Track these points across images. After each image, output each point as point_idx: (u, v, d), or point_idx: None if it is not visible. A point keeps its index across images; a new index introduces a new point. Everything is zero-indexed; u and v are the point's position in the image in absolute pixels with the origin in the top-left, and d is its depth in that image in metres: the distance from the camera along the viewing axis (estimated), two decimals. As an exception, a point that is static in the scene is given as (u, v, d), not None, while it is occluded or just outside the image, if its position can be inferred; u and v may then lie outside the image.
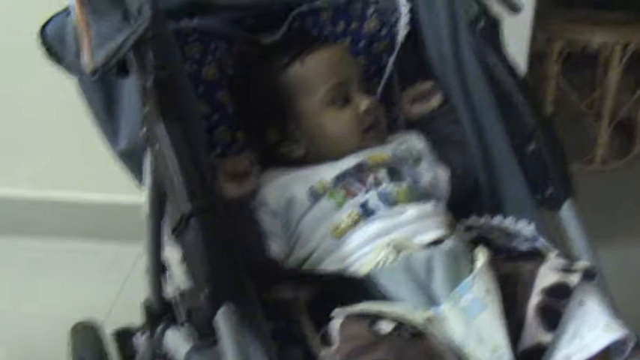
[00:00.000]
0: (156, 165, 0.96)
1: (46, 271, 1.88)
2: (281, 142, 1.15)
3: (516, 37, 1.81)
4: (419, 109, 1.24)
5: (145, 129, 0.96)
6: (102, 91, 1.05)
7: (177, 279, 1.01)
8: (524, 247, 1.11)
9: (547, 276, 0.96)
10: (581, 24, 2.30)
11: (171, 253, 1.00)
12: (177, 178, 0.90)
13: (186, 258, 0.90)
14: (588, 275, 0.97)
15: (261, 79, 1.16)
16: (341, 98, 1.14)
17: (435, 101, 1.23)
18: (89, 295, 1.76)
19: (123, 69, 0.96)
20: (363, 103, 1.14)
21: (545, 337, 0.93)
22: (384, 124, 1.18)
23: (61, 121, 1.85)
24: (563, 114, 2.40)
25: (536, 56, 2.39)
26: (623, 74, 2.34)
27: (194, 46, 1.16)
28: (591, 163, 2.42)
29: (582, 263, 0.98)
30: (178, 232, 0.90)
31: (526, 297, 0.95)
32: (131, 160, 1.07)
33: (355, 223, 1.06)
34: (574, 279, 0.95)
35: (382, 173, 1.11)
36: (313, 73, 1.13)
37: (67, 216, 1.99)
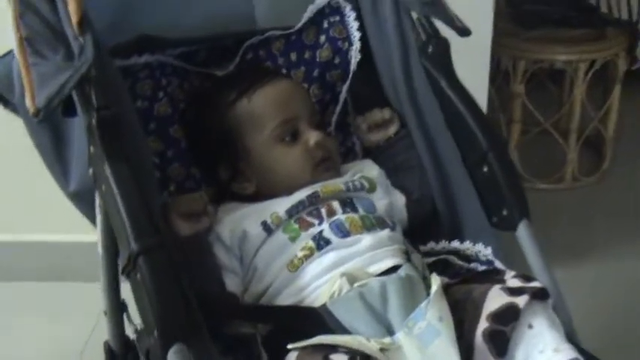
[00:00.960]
0: (104, 206, 0.95)
1: (17, 313, 1.85)
2: (232, 179, 1.15)
3: (477, 59, 1.83)
4: (376, 137, 1.24)
5: (91, 170, 0.95)
6: (50, 133, 1.05)
7: (136, 319, 1.00)
8: (481, 269, 1.11)
9: (495, 299, 0.95)
10: (544, 43, 2.31)
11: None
12: (123, 218, 0.89)
13: (135, 298, 0.89)
14: (540, 295, 0.96)
15: (210, 115, 1.15)
16: (289, 134, 1.13)
17: (393, 129, 1.23)
18: (62, 336, 1.74)
19: (69, 109, 0.96)
20: (313, 137, 1.13)
21: None
22: (336, 157, 1.18)
23: (18, 163, 1.83)
24: (531, 133, 2.41)
25: (503, 77, 2.41)
26: (589, 91, 2.35)
27: (145, 82, 1.16)
28: (562, 181, 2.42)
29: (533, 284, 0.97)
30: (127, 273, 0.89)
31: (475, 322, 0.94)
32: (83, 201, 1.06)
33: (309, 256, 1.05)
34: (522, 300, 0.94)
35: (336, 204, 1.11)
36: (260, 109, 1.13)
37: (36, 257, 1.97)
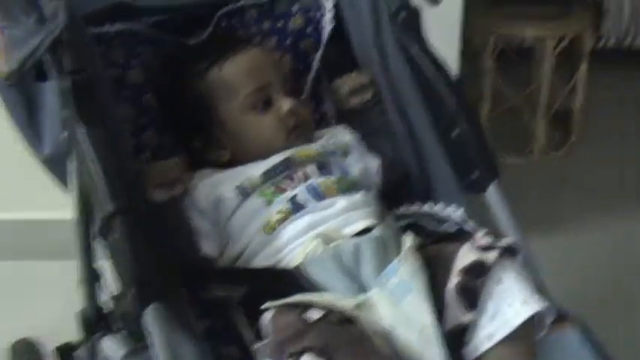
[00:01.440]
0: (79, 169, 0.95)
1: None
2: (207, 147, 1.15)
3: (447, 33, 1.85)
4: (354, 101, 1.24)
5: (65, 133, 0.95)
6: (22, 97, 1.04)
7: (111, 285, 1.00)
8: (453, 230, 1.12)
9: (466, 255, 0.97)
10: (514, 19, 2.34)
11: (104, 260, 0.99)
12: (99, 180, 0.90)
13: (112, 259, 0.90)
14: (509, 252, 0.98)
15: (182, 85, 1.15)
16: (261, 102, 1.14)
17: (369, 93, 1.24)
18: (34, 313, 1.73)
19: (41, 73, 0.96)
20: (285, 104, 1.14)
21: (466, 317, 0.94)
22: (309, 123, 1.19)
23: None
24: (500, 109, 2.44)
25: (473, 53, 2.43)
26: (557, 67, 2.38)
27: (118, 50, 1.16)
28: (531, 156, 2.45)
29: (503, 240, 0.99)
30: (103, 234, 0.89)
31: (446, 277, 0.96)
32: (57, 166, 1.06)
33: (285, 219, 1.06)
34: (491, 257, 0.96)
35: (311, 168, 1.12)
36: (232, 78, 1.13)
37: (7, 235, 1.96)
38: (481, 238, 0.98)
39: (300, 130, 1.15)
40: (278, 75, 1.17)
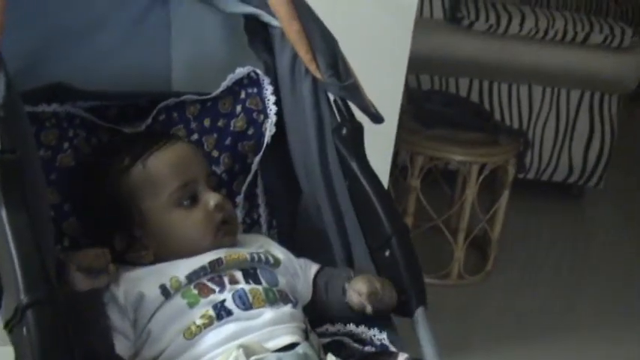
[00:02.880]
0: (-5, 252, 0.90)
1: None
2: (128, 248, 1.10)
3: (381, 150, 1.88)
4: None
5: (-15, 213, 0.90)
6: None
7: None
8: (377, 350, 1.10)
9: None
10: (441, 142, 2.39)
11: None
12: (15, 268, 0.85)
13: (16, 355, 0.84)
14: None
15: (102, 183, 1.11)
16: (187, 198, 1.10)
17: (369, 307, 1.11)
18: None
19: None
20: (212, 199, 1.11)
21: None
22: (235, 221, 1.17)
23: None
24: (422, 228, 2.47)
25: (400, 171, 2.48)
26: (479, 193, 2.44)
27: (51, 132, 1.12)
28: (447, 278, 2.48)
29: None
30: (11, 327, 0.83)
31: None
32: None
33: (208, 325, 1.02)
34: None
35: (238, 274, 1.08)
36: (156, 175, 1.10)
37: None
38: None
39: (227, 227, 1.12)
40: (203, 169, 1.14)
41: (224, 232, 1.12)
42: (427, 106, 2.51)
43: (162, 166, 1.10)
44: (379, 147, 1.82)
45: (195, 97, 1.23)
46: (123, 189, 1.09)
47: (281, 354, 0.99)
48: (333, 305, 1.15)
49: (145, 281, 1.05)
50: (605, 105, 3.05)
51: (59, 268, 0.95)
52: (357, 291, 1.09)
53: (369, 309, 1.08)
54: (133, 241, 1.10)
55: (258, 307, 1.05)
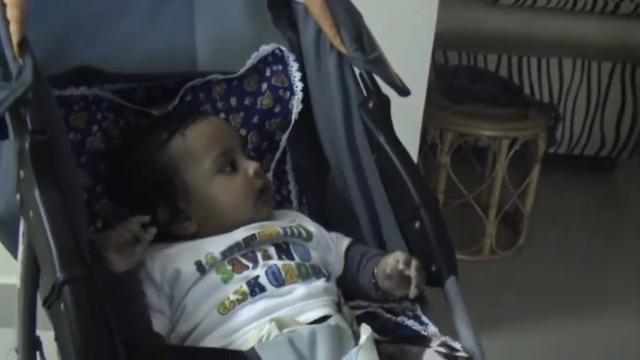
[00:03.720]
0: (29, 233, 0.91)
1: None
2: (172, 220, 1.11)
3: (409, 126, 1.87)
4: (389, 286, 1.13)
5: (18, 195, 0.91)
6: None
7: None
8: (409, 323, 1.11)
9: None
10: (471, 118, 2.38)
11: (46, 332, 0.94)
12: (50, 246, 0.85)
13: (56, 334, 0.85)
14: None
15: (142, 158, 1.12)
16: (228, 165, 1.12)
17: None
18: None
19: (1, 130, 0.93)
20: (251, 166, 1.13)
21: None
22: (271, 190, 1.18)
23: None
24: (452, 204, 2.46)
25: (429, 147, 2.47)
26: (510, 168, 2.43)
27: (79, 115, 1.14)
28: (479, 254, 2.47)
29: (461, 354, 0.99)
30: (50, 303, 0.85)
31: None
32: (5, 228, 1.02)
33: (242, 300, 1.03)
34: None
35: (272, 250, 1.09)
36: (196, 143, 1.12)
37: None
38: (438, 346, 0.97)
39: (266, 196, 1.14)
40: (238, 140, 1.17)
41: (263, 201, 1.13)
42: (455, 82, 2.50)
43: (202, 135, 1.12)
44: (407, 124, 1.81)
45: (221, 76, 1.24)
46: (164, 162, 1.11)
47: (314, 326, 0.99)
48: (364, 287, 1.15)
49: (181, 258, 1.05)
50: (637, 76, 3.00)
51: (94, 250, 0.96)
52: (386, 274, 1.10)
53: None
54: (176, 213, 1.11)
55: (291, 283, 1.06)
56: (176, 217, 1.11)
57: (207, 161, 1.11)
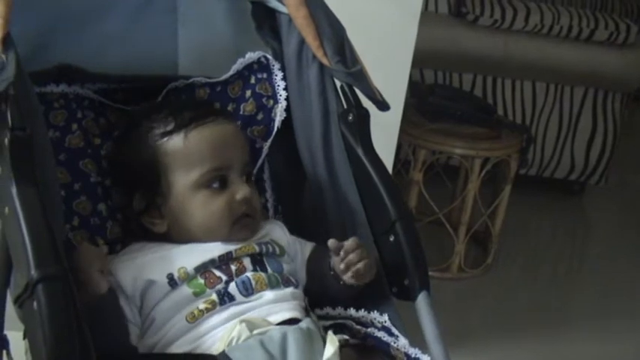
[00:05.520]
0: (4, 230, 0.90)
1: None
2: (144, 212, 1.11)
3: (384, 144, 1.88)
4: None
5: (-5, 190, 0.91)
6: None
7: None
8: (379, 334, 1.11)
9: None
10: (445, 136, 2.40)
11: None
12: (25, 243, 0.85)
13: (27, 332, 0.84)
14: None
15: (140, 140, 1.11)
16: (217, 182, 1.10)
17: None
18: None
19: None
20: (241, 191, 1.10)
21: None
22: (258, 217, 1.15)
23: None
24: (423, 221, 2.48)
25: (402, 164, 2.48)
26: (481, 188, 2.45)
27: (59, 113, 1.13)
28: (447, 271, 2.49)
29: None
30: (21, 302, 0.84)
31: None
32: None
33: (211, 309, 1.03)
34: None
35: (247, 261, 1.09)
36: (194, 150, 1.10)
37: None
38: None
39: (247, 221, 1.11)
40: (241, 157, 1.14)
41: (242, 224, 1.11)
42: (430, 100, 2.52)
43: (203, 143, 1.10)
44: (383, 140, 1.82)
45: (204, 80, 1.23)
46: (159, 154, 1.10)
47: (285, 327, 1.00)
48: (329, 284, 1.14)
49: (153, 268, 1.05)
50: (608, 102, 3.06)
51: (67, 248, 0.95)
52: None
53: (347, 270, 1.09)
54: (151, 207, 1.10)
55: (260, 291, 1.06)
56: (150, 210, 1.11)
57: (197, 173, 1.09)
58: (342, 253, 1.10)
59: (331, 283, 1.13)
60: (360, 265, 1.09)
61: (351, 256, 1.09)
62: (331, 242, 1.10)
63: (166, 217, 1.10)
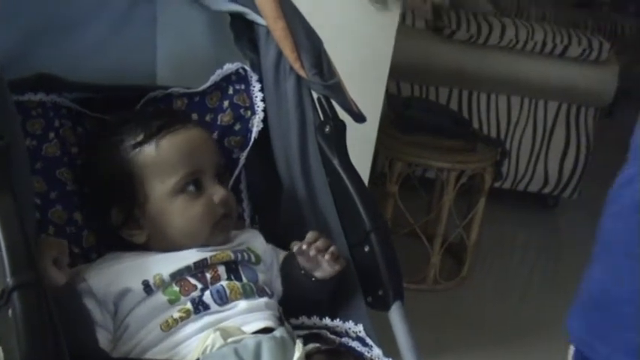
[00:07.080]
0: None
1: None
2: (123, 224, 1.11)
3: (361, 156, 1.89)
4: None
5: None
6: None
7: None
8: (353, 344, 1.12)
9: None
10: (421, 148, 2.42)
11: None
12: (1, 251, 0.85)
13: (2, 340, 0.84)
14: None
15: (112, 153, 1.11)
16: (192, 185, 1.11)
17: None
18: None
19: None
20: (218, 193, 1.11)
21: None
22: (234, 218, 1.16)
23: None
24: (399, 233, 2.50)
25: (378, 176, 2.50)
26: (456, 200, 2.47)
27: (36, 121, 1.13)
28: (422, 282, 2.50)
29: None
30: None
31: None
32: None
33: (185, 318, 1.03)
34: None
35: (222, 269, 1.10)
36: (166, 157, 1.10)
37: None
38: None
39: (226, 222, 1.12)
40: (213, 160, 1.14)
41: (222, 226, 1.12)
42: (407, 113, 2.54)
43: (174, 150, 1.10)
44: (359, 152, 1.83)
45: (182, 90, 1.24)
46: (132, 165, 1.10)
47: (259, 336, 1.00)
48: (300, 283, 1.15)
49: (128, 275, 1.05)
50: (581, 117, 3.11)
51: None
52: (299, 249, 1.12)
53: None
54: (130, 219, 1.11)
55: (234, 300, 1.07)
56: (129, 222, 1.11)
57: (173, 180, 1.10)
58: (304, 246, 1.11)
59: (304, 283, 1.14)
60: (332, 249, 1.11)
61: (318, 244, 1.11)
62: (293, 244, 1.13)
63: (145, 227, 1.11)
